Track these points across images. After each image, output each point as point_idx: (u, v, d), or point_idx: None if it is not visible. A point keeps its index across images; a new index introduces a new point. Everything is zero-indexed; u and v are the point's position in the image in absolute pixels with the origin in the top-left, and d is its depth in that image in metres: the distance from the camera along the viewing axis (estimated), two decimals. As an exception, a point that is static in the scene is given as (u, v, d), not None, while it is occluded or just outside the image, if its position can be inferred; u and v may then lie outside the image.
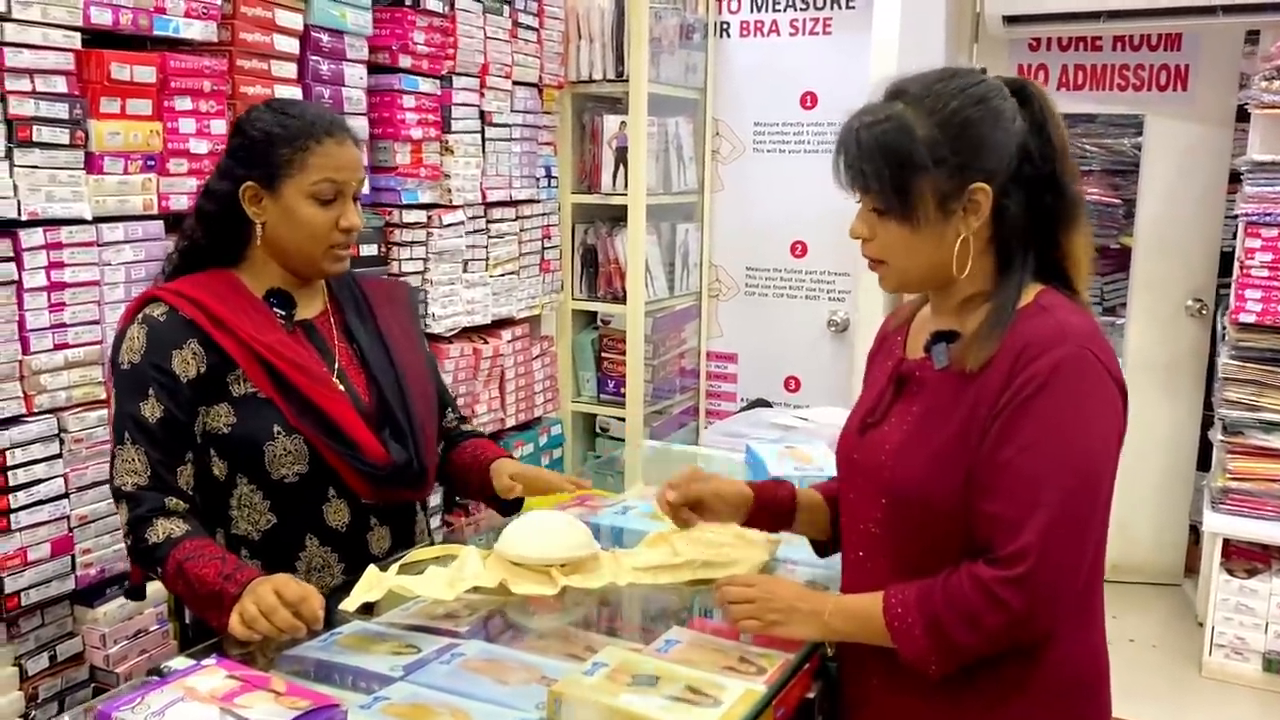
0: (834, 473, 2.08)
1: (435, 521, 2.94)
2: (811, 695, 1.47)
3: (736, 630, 1.48)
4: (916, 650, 1.30)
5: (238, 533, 1.67)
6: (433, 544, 1.83)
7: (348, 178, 1.67)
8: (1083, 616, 1.35)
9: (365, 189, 2.15)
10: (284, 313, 1.71)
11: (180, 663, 1.36)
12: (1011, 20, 3.82)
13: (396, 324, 1.86)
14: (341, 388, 1.71)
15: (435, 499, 2.95)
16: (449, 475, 1.97)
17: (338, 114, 1.89)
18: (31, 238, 1.91)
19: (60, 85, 1.93)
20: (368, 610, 1.58)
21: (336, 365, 1.74)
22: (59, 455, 1.98)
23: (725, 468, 2.35)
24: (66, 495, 2.00)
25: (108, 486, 2.04)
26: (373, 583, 1.57)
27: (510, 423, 3.35)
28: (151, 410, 1.59)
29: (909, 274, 1.40)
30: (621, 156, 3.57)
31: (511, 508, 1.91)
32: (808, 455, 2.15)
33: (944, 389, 1.35)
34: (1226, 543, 3.38)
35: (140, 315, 1.64)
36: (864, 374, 1.64)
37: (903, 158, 1.30)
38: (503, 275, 3.25)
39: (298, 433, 1.64)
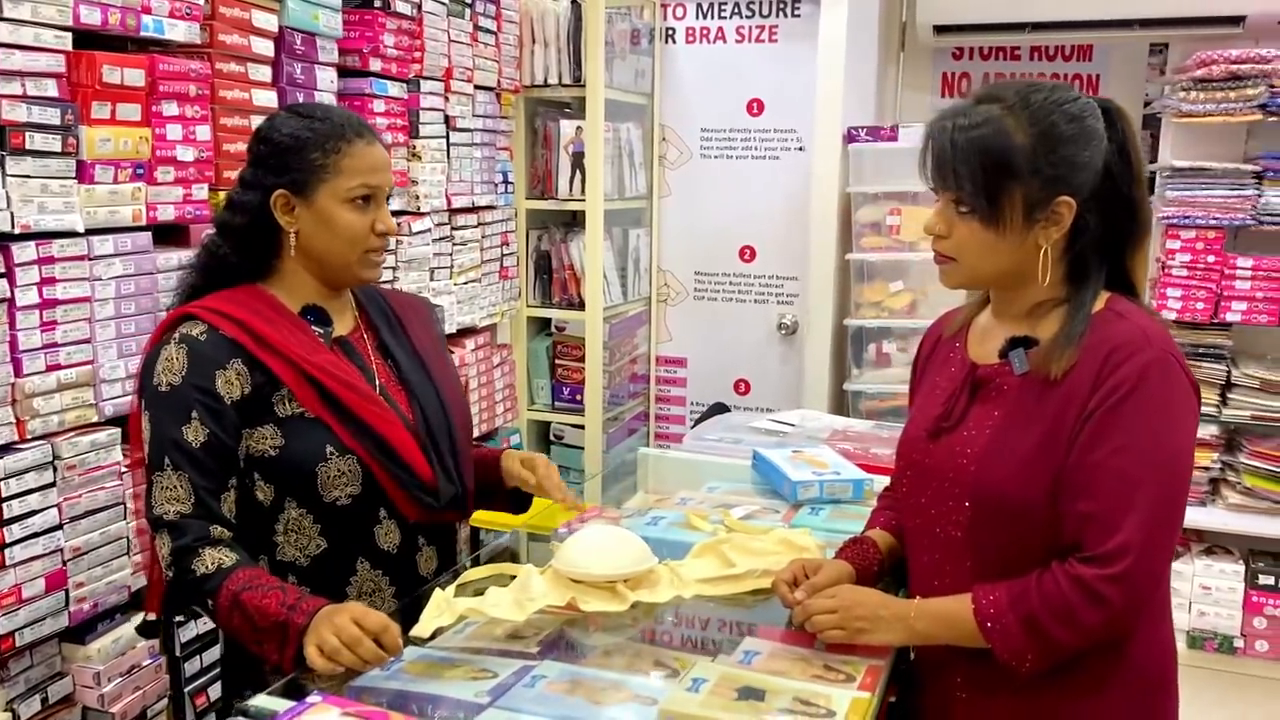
0: (851, 476, 2.13)
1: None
2: (893, 699, 1.49)
3: (810, 637, 1.49)
4: (1012, 649, 1.34)
5: (284, 559, 1.60)
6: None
7: (381, 180, 1.62)
8: (1159, 611, 1.42)
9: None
10: (322, 330, 1.64)
11: (270, 701, 1.30)
12: (941, 30, 3.96)
13: (427, 339, 1.81)
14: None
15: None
16: None
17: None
18: (24, 252, 1.78)
19: (51, 89, 1.80)
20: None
21: (378, 383, 1.68)
22: (53, 484, 1.85)
23: (721, 473, 2.36)
24: (60, 526, 1.87)
25: (102, 515, 1.95)
26: (443, 607, 1.52)
27: (473, 434, 3.28)
28: (195, 434, 1.51)
29: (978, 274, 1.44)
30: (577, 161, 3.54)
31: (521, 506, 1.85)
32: (821, 460, 2.17)
33: (1026, 393, 1.39)
34: (1152, 527, 3.57)
35: (176, 334, 1.55)
36: (914, 380, 1.67)
37: (1000, 162, 1.34)
38: (466, 283, 3.19)
39: (351, 453, 1.58)
